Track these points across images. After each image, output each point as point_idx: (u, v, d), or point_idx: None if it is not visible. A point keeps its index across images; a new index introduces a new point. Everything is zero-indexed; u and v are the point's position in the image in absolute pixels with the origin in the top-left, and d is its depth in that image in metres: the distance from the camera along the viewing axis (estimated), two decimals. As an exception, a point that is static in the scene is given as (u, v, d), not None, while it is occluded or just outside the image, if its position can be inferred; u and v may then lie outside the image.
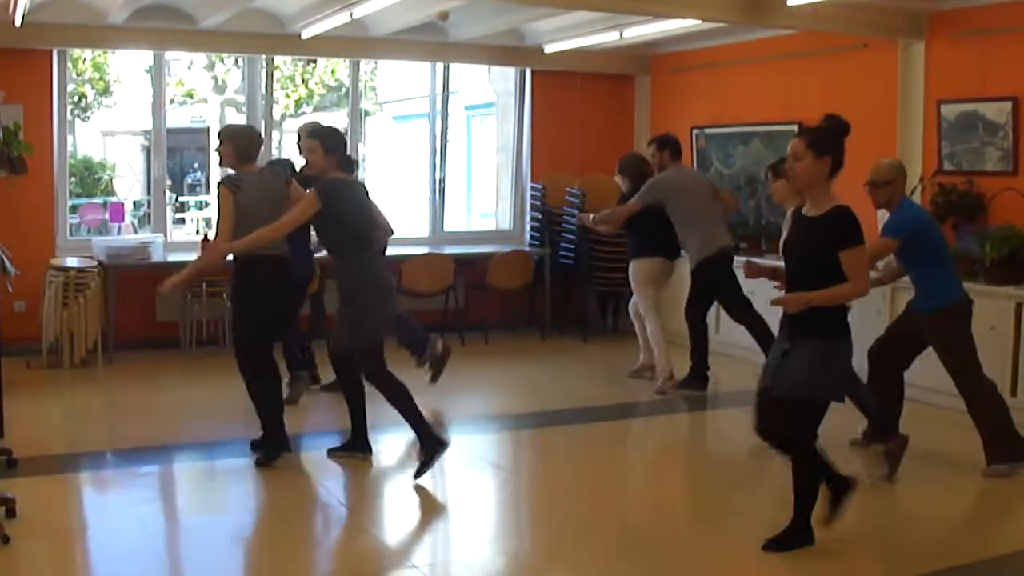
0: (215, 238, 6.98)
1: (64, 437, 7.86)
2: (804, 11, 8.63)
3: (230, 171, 7.17)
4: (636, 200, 9.21)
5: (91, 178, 20.48)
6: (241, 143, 7.12)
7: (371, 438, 7.16)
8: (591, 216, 9.71)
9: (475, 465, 7.40)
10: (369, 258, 6.96)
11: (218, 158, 7.20)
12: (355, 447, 7.21)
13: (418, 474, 6.74)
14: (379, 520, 6.27)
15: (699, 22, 9.87)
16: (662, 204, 9.14)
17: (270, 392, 7.13)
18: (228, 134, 7.23)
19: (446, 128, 12.76)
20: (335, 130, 7.17)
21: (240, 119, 14.53)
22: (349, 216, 6.83)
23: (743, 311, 9.09)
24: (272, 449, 7.04)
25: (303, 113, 22.37)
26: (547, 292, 11.94)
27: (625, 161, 9.77)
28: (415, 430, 6.84)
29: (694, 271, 9.25)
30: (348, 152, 7.10)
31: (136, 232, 16.39)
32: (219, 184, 7.04)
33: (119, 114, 21.95)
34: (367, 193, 7.27)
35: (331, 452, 7.24)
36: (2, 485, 6.11)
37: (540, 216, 12.29)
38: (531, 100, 12.46)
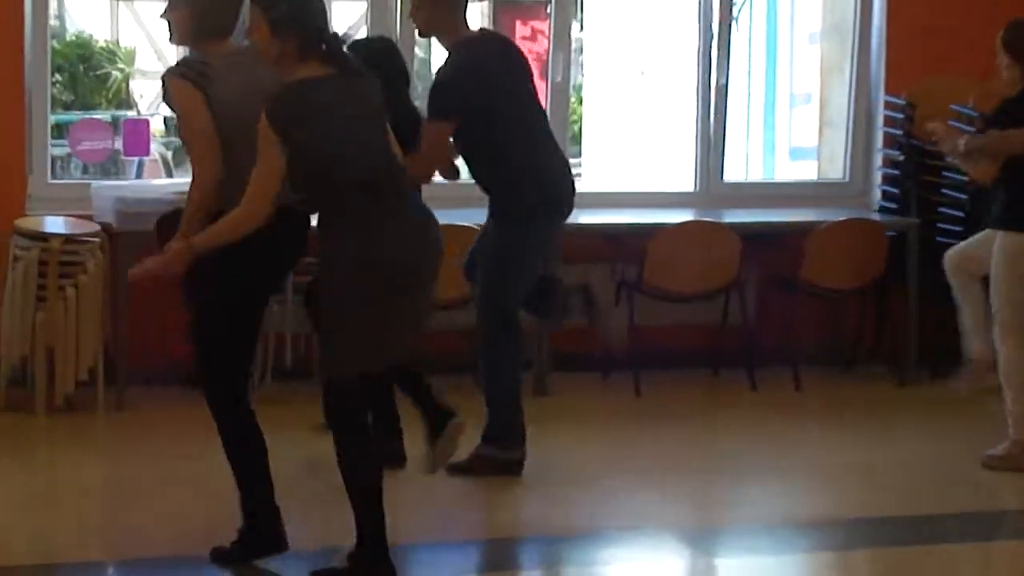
0: (190, 185, 5.05)
1: (26, 540, 6.12)
2: None
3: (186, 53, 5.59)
4: None
5: (90, 75, 16.46)
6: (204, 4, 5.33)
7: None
8: (962, 140, 7.12)
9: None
10: (368, 220, 4.96)
11: (167, 29, 5.28)
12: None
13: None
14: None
15: None
16: None
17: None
18: None
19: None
20: None
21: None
22: (320, 149, 4.83)
23: None
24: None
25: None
26: (911, 297, 8.34)
27: (1017, 32, 7.19)
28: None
29: None
30: (332, 31, 4.92)
31: (171, 175, 12.61)
32: (167, 77, 5.03)
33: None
34: (377, 100, 5.03)
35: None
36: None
37: (902, 158, 8.86)
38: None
